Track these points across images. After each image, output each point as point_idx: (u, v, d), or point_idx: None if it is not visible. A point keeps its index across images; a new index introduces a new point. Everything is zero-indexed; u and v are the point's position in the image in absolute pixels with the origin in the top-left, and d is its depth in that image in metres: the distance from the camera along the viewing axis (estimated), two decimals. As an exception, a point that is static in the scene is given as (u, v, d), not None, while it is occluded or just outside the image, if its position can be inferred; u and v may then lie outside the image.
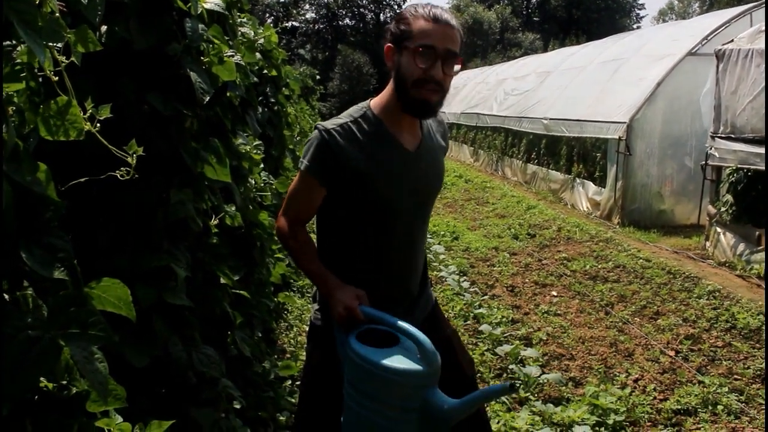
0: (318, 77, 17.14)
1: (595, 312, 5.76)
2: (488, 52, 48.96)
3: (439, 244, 8.47)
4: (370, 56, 46.81)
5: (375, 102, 2.18)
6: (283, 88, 5.85)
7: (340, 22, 53.01)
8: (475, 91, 19.50)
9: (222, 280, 2.33)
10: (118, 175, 1.37)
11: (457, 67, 2.04)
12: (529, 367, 4.53)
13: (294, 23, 50.39)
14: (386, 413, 1.84)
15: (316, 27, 52.58)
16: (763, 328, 5.23)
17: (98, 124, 1.23)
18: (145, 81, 1.80)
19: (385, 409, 1.84)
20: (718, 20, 9.51)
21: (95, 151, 1.34)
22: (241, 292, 2.63)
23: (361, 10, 53.14)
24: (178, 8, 1.87)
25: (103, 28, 1.62)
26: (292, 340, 4.84)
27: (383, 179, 2.09)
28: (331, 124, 2.08)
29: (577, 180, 11.00)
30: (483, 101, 17.81)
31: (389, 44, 2.08)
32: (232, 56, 2.25)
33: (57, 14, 1.08)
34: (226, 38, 2.39)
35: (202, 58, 2.04)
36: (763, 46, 6.58)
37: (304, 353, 4.47)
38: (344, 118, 2.12)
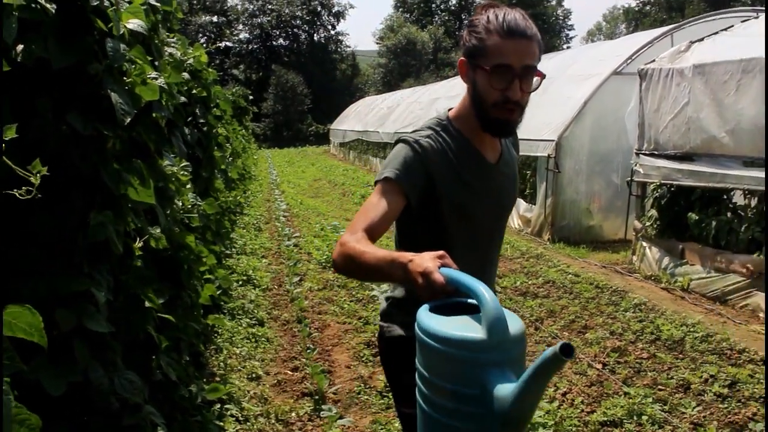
0: (251, 97, 17.01)
1: (526, 327, 5.79)
2: (422, 71, 49.50)
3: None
4: (304, 76, 46.78)
5: (454, 114, 2.07)
6: (214, 109, 5.79)
7: (274, 42, 52.85)
8: (408, 111, 19.67)
9: (147, 304, 2.29)
10: (17, 195, 1.33)
11: (536, 81, 1.90)
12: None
13: (227, 43, 50.08)
14: (439, 403, 1.38)
15: (250, 47, 52.30)
16: (686, 339, 5.38)
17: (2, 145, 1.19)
18: (65, 101, 1.78)
19: (437, 396, 1.38)
20: (641, 41, 9.80)
21: (11, 172, 1.31)
22: (167, 315, 2.57)
23: (295, 30, 53.15)
24: (99, 28, 1.86)
25: (19, 47, 1.58)
26: (221, 363, 4.77)
27: (470, 194, 1.99)
28: (417, 135, 1.98)
29: (509, 197, 11.11)
30: (416, 120, 17.93)
31: (463, 59, 1.96)
32: (156, 78, 2.25)
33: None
34: (150, 59, 2.36)
35: (124, 78, 2.02)
36: (682, 65, 6.82)
37: (234, 378, 4.50)
38: (427, 130, 2.01)
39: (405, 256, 1.60)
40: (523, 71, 1.83)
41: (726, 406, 4.25)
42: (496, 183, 2.08)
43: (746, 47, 6.21)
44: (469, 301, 1.47)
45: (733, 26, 7.22)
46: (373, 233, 1.83)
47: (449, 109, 2.10)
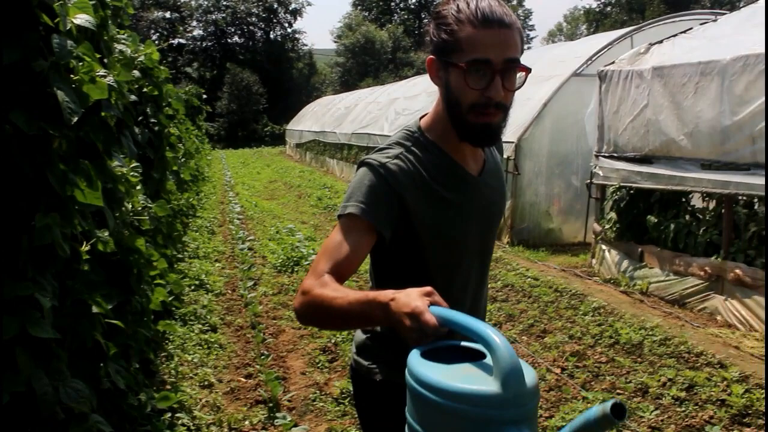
0: (205, 96, 16.74)
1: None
2: (380, 71, 49.50)
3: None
4: (260, 75, 46.44)
5: (426, 123, 1.78)
6: (166, 108, 5.65)
7: (229, 40, 52.36)
8: (366, 111, 19.58)
9: (94, 309, 2.25)
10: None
11: (520, 77, 1.62)
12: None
13: (180, 40, 49.46)
14: None
15: (204, 44, 51.75)
16: (645, 342, 5.37)
17: None
18: (8, 99, 1.73)
19: None
20: (602, 42, 9.85)
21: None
22: (116, 321, 2.50)
23: (251, 27, 52.72)
24: (44, 24, 1.80)
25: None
26: (172, 370, 4.64)
27: (452, 216, 1.72)
28: (383, 157, 1.68)
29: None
30: (374, 121, 17.88)
31: (432, 57, 1.67)
32: (105, 76, 2.18)
33: None
34: (99, 56, 2.29)
35: (71, 75, 1.96)
36: (642, 67, 6.82)
37: (186, 386, 4.38)
38: (396, 148, 1.72)
39: (385, 294, 1.38)
40: (505, 66, 1.56)
41: (683, 409, 4.27)
42: (482, 199, 1.80)
43: (705, 50, 6.23)
44: (464, 343, 1.30)
45: (692, 29, 7.25)
46: (340, 275, 1.58)
47: (421, 117, 1.82)
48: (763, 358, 5.00)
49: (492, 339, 1.14)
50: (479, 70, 1.55)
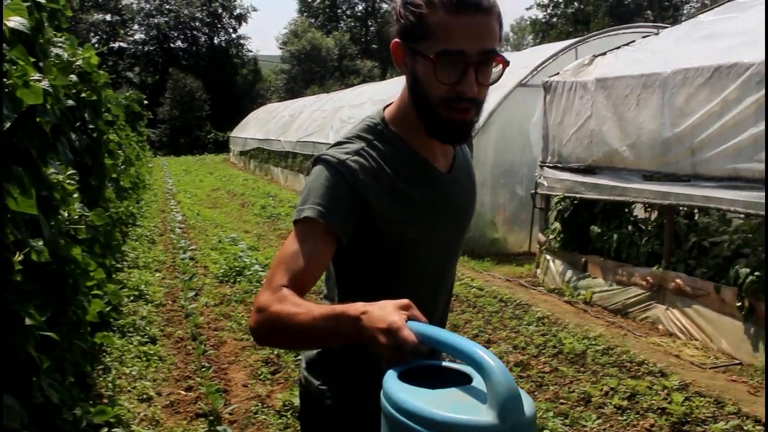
0: (146, 102, 16.48)
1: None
2: (326, 78, 49.43)
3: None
4: (203, 81, 45.90)
5: (391, 113, 1.59)
6: (105, 114, 5.53)
7: (172, 45, 51.62)
8: (311, 119, 19.49)
9: (27, 321, 2.19)
10: None
11: (497, 70, 1.44)
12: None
13: (121, 44, 48.61)
14: None
15: (146, 49, 50.89)
16: (588, 352, 5.41)
17: None
18: None
19: None
20: (547, 53, 9.98)
21: None
22: (50, 333, 2.41)
23: (195, 32, 52.10)
24: None
25: None
26: (110, 384, 4.51)
27: (419, 216, 1.56)
28: (342, 152, 1.50)
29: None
30: (319, 129, 17.81)
31: (397, 40, 1.46)
32: (40, 80, 2.13)
33: None
34: (34, 60, 2.24)
35: (4, 80, 1.91)
36: (585, 79, 6.91)
37: (123, 399, 4.26)
38: (356, 142, 1.54)
39: (355, 308, 1.20)
40: (480, 58, 1.38)
41: (625, 418, 4.31)
42: (451, 197, 1.64)
43: (647, 63, 6.34)
44: (445, 364, 1.17)
45: (634, 41, 7.39)
46: (299, 288, 1.39)
47: (385, 107, 1.63)
48: (703, 366, 5.09)
49: (486, 362, 1.01)
50: (450, 62, 1.37)
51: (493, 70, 1.44)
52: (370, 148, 1.52)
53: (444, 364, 1.18)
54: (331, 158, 1.48)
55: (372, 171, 1.49)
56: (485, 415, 0.98)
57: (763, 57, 4.86)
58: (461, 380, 1.10)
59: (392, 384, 1.07)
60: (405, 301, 1.18)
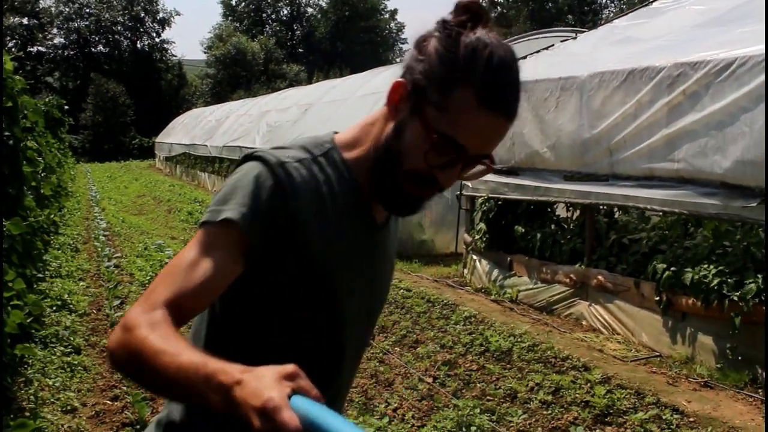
0: (67, 107, 16.01)
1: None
2: (252, 83, 48.88)
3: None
4: (126, 86, 44.86)
5: (345, 141, 1.32)
6: (22, 120, 5.36)
7: (93, 49, 50.30)
8: (237, 124, 19.30)
9: None
10: None
11: (480, 169, 1.26)
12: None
13: (40, 48, 47.05)
14: None
15: (66, 53, 49.47)
16: (514, 349, 5.50)
17: None
18: None
19: None
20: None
21: None
22: None
23: (117, 36, 50.89)
24: None
25: None
26: (31, 396, 4.37)
27: (348, 264, 1.30)
28: (283, 155, 1.23)
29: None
30: (245, 134, 17.64)
31: (403, 80, 1.23)
32: None
33: None
34: None
35: None
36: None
37: (46, 411, 4.15)
38: (301, 152, 1.27)
39: (230, 373, 0.94)
40: (477, 159, 1.22)
41: (550, 412, 4.41)
42: (378, 251, 1.39)
43: (565, 66, 6.50)
44: None
45: (553, 45, 7.56)
46: (182, 311, 1.13)
47: (335, 132, 1.37)
48: (625, 359, 5.24)
49: None
50: (448, 151, 1.18)
51: (477, 168, 1.26)
52: (314, 164, 1.26)
53: None
54: (270, 157, 1.22)
55: (311, 190, 1.23)
56: None
57: (673, 61, 5.05)
58: None
59: None
60: (290, 368, 0.92)
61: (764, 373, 4.62)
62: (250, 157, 1.24)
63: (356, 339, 1.39)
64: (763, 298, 4.54)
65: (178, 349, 1.01)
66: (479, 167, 1.24)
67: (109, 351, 1.12)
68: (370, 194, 1.30)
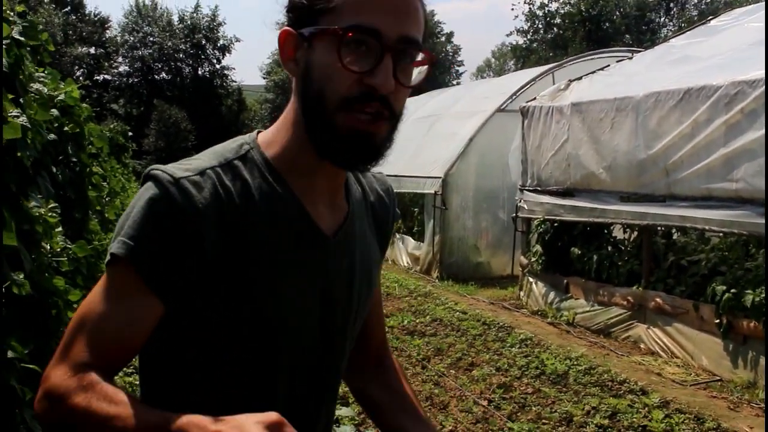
0: (131, 134, 16.46)
1: (412, 367, 5.76)
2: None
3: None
4: (188, 112, 45.87)
5: (265, 139, 1.15)
6: (89, 146, 5.55)
7: (156, 76, 51.59)
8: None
9: (9, 354, 2.14)
10: None
11: (419, 71, 1.08)
12: (344, 427, 4.40)
13: (106, 76, 48.53)
14: None
15: (130, 81, 50.84)
16: (570, 372, 5.44)
17: None
18: None
19: None
20: (524, 79, 10.12)
21: None
22: (33, 366, 2.36)
23: (179, 64, 52.13)
24: None
25: None
26: None
27: (276, 288, 1.10)
28: (181, 170, 1.06)
29: (397, 235, 11.14)
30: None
31: (286, 28, 1.07)
32: (18, 116, 2.13)
33: None
34: (13, 96, 2.25)
35: None
36: (562, 103, 7.01)
37: None
38: (206, 160, 1.10)
39: (201, 425, 0.86)
40: (400, 45, 1.02)
41: (607, 436, 4.33)
42: (329, 269, 1.17)
43: (620, 86, 6.45)
44: None
45: (609, 66, 7.52)
46: (109, 366, 1.02)
47: (258, 131, 1.19)
48: (684, 384, 5.14)
49: None
50: (362, 43, 1.00)
51: (416, 70, 1.08)
52: (224, 172, 1.08)
53: None
54: (162, 174, 1.04)
55: (218, 203, 1.05)
56: None
57: (731, 79, 4.98)
58: None
59: None
60: (273, 416, 0.84)
61: (764, 380, 4.48)
62: (147, 176, 1.07)
63: (312, 360, 1.19)
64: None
65: (128, 408, 0.92)
66: (420, 68, 1.08)
67: (41, 420, 1.02)
68: (305, 193, 1.13)
